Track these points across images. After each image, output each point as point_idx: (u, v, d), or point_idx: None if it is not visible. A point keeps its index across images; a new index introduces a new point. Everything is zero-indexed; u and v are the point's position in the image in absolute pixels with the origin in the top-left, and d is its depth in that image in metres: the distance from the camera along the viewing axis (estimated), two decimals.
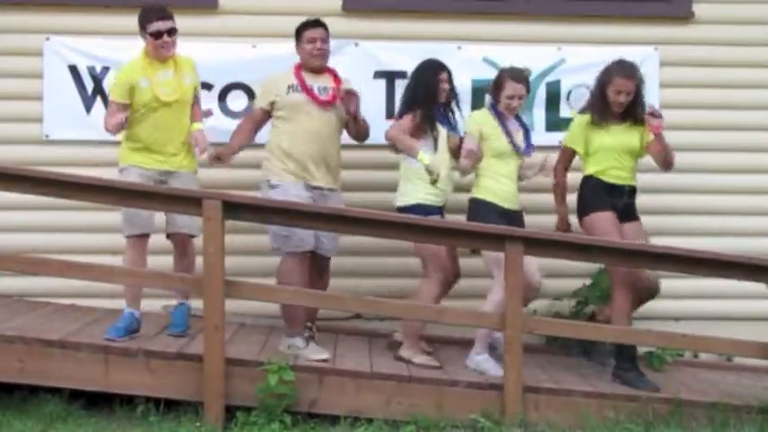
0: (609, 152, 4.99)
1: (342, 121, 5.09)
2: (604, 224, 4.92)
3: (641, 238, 4.99)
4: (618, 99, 4.96)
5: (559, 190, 5.20)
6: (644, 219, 5.14)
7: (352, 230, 4.76)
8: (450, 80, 5.15)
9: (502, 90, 5.06)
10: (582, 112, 5.17)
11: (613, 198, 4.99)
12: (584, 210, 5.03)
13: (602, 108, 5.01)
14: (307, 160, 4.92)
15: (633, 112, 4.99)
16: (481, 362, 4.87)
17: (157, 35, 4.79)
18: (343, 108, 5.02)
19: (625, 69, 4.97)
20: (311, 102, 4.96)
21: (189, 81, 4.93)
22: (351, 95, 4.98)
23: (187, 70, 4.94)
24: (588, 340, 5.25)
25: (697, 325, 5.58)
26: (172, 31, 4.82)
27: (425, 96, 5.04)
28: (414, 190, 5.01)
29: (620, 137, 5.00)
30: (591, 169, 5.05)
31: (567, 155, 5.19)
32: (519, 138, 5.12)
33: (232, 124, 5.58)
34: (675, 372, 5.40)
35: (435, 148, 5.02)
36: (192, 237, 4.96)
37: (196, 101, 5.05)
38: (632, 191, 5.06)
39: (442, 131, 5.08)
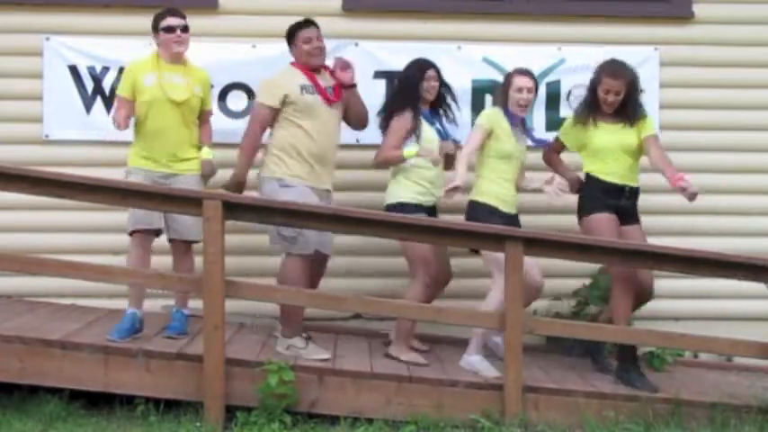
0: (605, 151, 4.98)
1: (341, 119, 5.12)
2: (601, 225, 4.91)
3: (639, 241, 4.96)
4: (606, 98, 4.96)
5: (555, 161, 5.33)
6: (644, 219, 5.13)
7: (352, 230, 4.76)
8: (439, 78, 5.16)
9: (510, 86, 5.05)
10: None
11: (612, 199, 4.97)
12: (582, 211, 5.04)
13: (591, 106, 5.03)
14: (317, 160, 4.94)
15: (625, 112, 4.98)
16: (474, 362, 4.86)
17: (169, 30, 4.83)
18: (343, 102, 5.05)
19: (613, 69, 4.96)
20: (324, 103, 4.98)
21: (198, 90, 4.94)
22: (347, 65, 5.05)
23: (199, 81, 4.96)
24: (592, 341, 5.25)
25: (697, 325, 5.57)
26: (185, 29, 4.87)
27: (407, 95, 5.07)
28: (400, 189, 5.05)
29: (616, 136, 4.99)
30: (589, 167, 5.06)
31: (555, 145, 5.29)
32: (522, 147, 5.13)
33: (232, 124, 5.59)
34: (675, 372, 5.40)
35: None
36: (194, 242, 4.93)
37: (206, 118, 5.06)
38: (633, 192, 5.05)
39: (427, 129, 5.08)
